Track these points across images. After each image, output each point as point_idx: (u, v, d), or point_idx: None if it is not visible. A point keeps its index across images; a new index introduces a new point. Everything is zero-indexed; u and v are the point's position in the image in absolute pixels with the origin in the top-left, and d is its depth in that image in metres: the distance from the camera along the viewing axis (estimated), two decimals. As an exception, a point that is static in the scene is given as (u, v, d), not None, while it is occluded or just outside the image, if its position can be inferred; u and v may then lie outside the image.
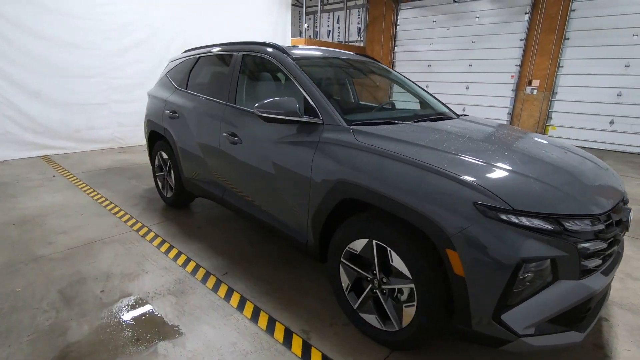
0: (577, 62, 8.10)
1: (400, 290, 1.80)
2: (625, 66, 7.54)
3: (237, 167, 2.66)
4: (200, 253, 2.86)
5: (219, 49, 3.15)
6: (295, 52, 2.58)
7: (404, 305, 1.75)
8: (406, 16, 10.62)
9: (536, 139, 2.29)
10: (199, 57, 3.35)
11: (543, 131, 8.76)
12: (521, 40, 8.71)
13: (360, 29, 11.80)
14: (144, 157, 5.91)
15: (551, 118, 8.64)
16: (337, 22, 12.24)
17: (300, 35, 10.81)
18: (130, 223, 3.38)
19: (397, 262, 1.73)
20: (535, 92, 8.70)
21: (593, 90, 7.97)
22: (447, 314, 1.66)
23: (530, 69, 8.70)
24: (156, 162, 3.83)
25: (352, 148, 1.89)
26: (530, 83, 8.76)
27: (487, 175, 1.58)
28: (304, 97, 2.25)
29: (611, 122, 7.83)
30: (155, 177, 3.93)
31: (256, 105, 2.18)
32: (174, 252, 2.86)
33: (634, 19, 7.27)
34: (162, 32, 6.79)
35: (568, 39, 8.13)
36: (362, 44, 11.68)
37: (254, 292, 2.38)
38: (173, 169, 3.50)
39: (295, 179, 2.16)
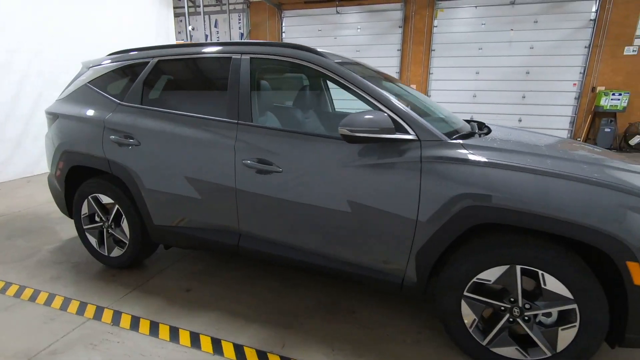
0: (442, 69, 9.64)
1: (548, 314, 1.67)
2: (476, 73, 9.36)
3: (273, 205, 2.05)
4: (223, 326, 2.10)
5: (197, 49, 2.37)
6: (331, 55, 2.14)
7: (561, 328, 1.63)
8: (291, 24, 10.64)
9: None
10: (158, 61, 2.46)
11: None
12: (398, 50, 9.83)
13: (242, 34, 11.23)
14: (19, 201, 4.16)
15: (428, 117, 10.05)
16: (215, 27, 11.35)
17: (188, 38, 9.53)
18: (73, 309, 2.24)
19: (551, 284, 1.59)
20: (413, 95, 9.95)
21: (456, 92, 9.62)
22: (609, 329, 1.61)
23: (407, 75, 9.90)
24: (84, 210, 2.67)
25: (483, 166, 1.65)
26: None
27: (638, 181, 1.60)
28: (380, 109, 1.87)
29: (471, 119, 9.63)
30: (81, 231, 2.74)
31: (343, 122, 1.71)
32: (184, 335, 2.02)
33: (478, 36, 9.09)
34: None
35: (434, 50, 9.58)
36: (246, 50, 11.13)
37: None
38: (128, 216, 2.50)
39: (390, 212, 1.78)
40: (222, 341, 1.97)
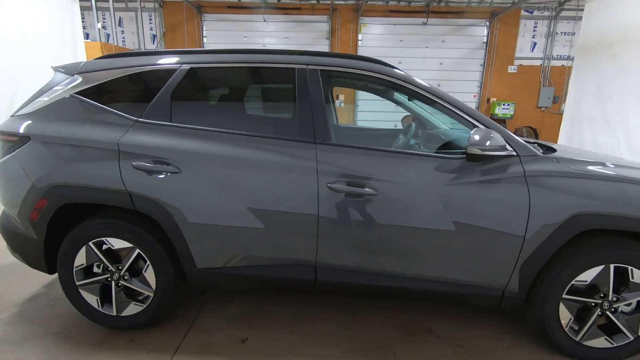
0: (368, 80, 10.25)
1: (629, 303, 1.90)
2: (397, 85, 10.23)
3: (364, 231, 1.87)
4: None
5: (242, 57, 2.01)
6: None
7: (640, 314, 1.88)
8: (213, 28, 9.98)
9: None
10: (191, 69, 2.01)
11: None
12: (326, 61, 10.08)
13: (155, 36, 10.07)
14: None
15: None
16: (120, 25, 9.90)
17: (101, 38, 7.96)
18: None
19: (638, 277, 1.82)
20: (342, 105, 10.33)
21: (379, 102, 10.31)
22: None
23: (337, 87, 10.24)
24: (79, 262, 2.02)
25: (584, 178, 1.79)
26: (337, 97, 10.32)
27: None
28: (473, 125, 1.87)
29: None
30: (72, 289, 2.07)
31: (472, 142, 1.67)
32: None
33: (398, 51, 9.95)
34: None
35: (360, 62, 10.13)
36: (160, 54, 10.01)
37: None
38: (156, 262, 1.98)
39: (499, 225, 1.80)
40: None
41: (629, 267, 1.81)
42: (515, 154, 1.84)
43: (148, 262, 1.99)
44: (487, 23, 9.78)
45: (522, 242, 1.81)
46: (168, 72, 2.02)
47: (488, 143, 1.70)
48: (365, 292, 1.98)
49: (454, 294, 1.95)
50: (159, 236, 1.98)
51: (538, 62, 10.10)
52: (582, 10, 9.43)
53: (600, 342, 1.93)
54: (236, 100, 2.16)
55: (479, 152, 1.70)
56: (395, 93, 2.90)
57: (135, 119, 1.97)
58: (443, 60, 9.96)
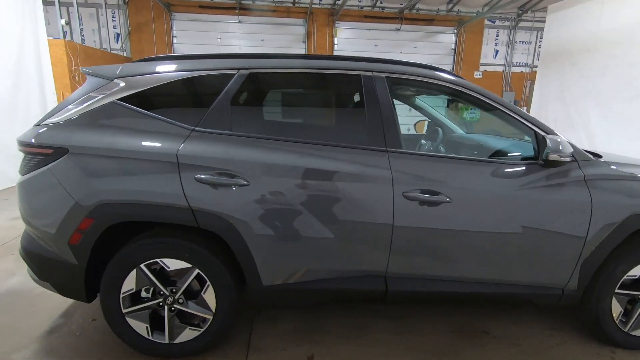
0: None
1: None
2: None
3: (437, 238, 1.88)
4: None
5: (309, 63, 1.92)
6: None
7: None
8: (184, 28, 9.53)
9: None
10: (250, 75, 1.89)
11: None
12: (302, 64, 10.03)
13: (119, 35, 9.41)
14: None
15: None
16: (79, 22, 9.11)
17: (65, 35, 7.18)
18: None
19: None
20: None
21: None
22: None
23: (312, 89, 10.22)
24: (128, 287, 1.81)
25: (637, 180, 1.93)
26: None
27: None
28: (534, 132, 1.95)
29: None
30: (118, 318, 1.85)
31: (553, 149, 1.74)
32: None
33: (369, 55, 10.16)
34: None
35: (336, 66, 10.19)
36: (125, 54, 9.39)
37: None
38: (217, 282, 1.83)
39: (564, 227, 1.89)
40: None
41: (673, 260, 1.99)
42: (574, 159, 1.95)
43: (208, 283, 1.84)
44: (455, 31, 10.30)
45: (583, 243, 1.91)
46: (225, 78, 1.88)
47: (563, 149, 1.78)
48: (434, 299, 1.98)
49: (518, 295, 2.02)
50: (219, 254, 1.84)
51: (500, 69, 10.82)
52: (538, 21, 10.26)
53: (645, 330, 2.09)
54: (298, 107, 2.06)
55: (559, 158, 1.78)
56: (417, 99, 2.96)
57: (192, 127, 1.82)
58: (415, 65, 10.33)
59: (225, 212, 1.75)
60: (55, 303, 2.40)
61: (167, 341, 1.89)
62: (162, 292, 1.85)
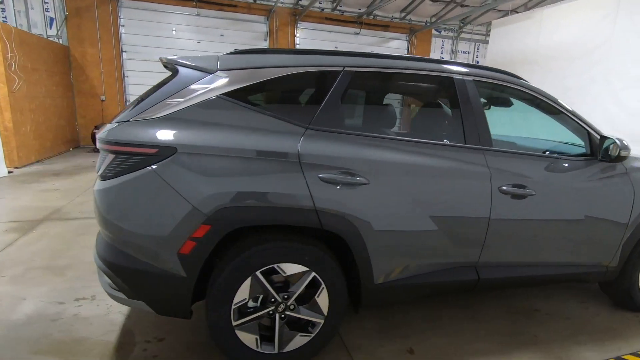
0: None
1: None
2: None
3: (521, 228, 2.07)
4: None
5: (400, 63, 1.96)
6: None
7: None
8: (133, 17, 8.67)
9: None
10: (355, 73, 1.86)
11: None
12: (264, 62, 9.83)
13: (53, 19, 8.21)
14: None
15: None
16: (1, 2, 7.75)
17: None
18: None
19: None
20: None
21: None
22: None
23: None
24: (242, 297, 1.68)
25: None
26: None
27: None
28: (587, 131, 2.25)
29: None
30: (227, 331, 1.69)
31: (624, 146, 2.01)
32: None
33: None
34: None
35: (298, 66, 10.18)
36: (61, 41, 8.25)
37: None
38: (332, 284, 1.79)
39: (613, 213, 2.22)
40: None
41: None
42: (616, 155, 2.30)
43: (323, 286, 1.78)
44: (407, 38, 11.00)
45: (626, 226, 2.27)
46: (331, 75, 1.84)
47: (628, 147, 2.09)
48: (514, 284, 2.17)
49: (575, 274, 2.31)
50: (338, 256, 1.80)
51: (445, 75, 11.81)
52: (476, 34, 11.45)
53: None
54: (399, 107, 2.09)
55: (627, 154, 2.09)
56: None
57: (306, 125, 1.74)
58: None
59: (347, 212, 1.72)
60: (94, 327, 2.08)
61: (276, 351, 1.79)
62: (273, 300, 1.74)
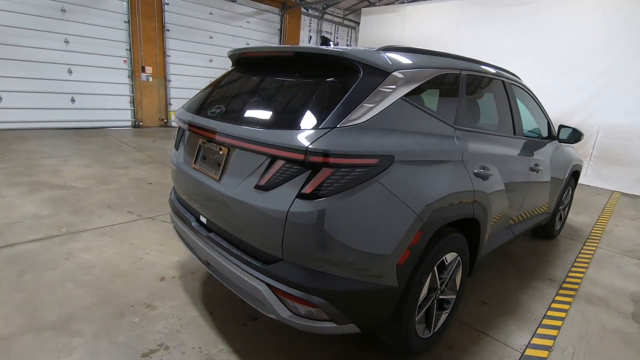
0: (179, 53, 9.09)
1: None
2: (210, 60, 9.72)
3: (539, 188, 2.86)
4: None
5: (487, 70, 2.33)
6: None
7: None
8: None
9: None
10: (467, 76, 2.06)
11: (167, 117, 9.24)
12: (125, 22, 8.05)
13: None
14: None
15: (171, 104, 9.26)
16: None
17: None
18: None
19: None
20: (150, 79, 8.73)
21: (194, 78, 9.50)
22: None
23: (140, 55, 8.46)
24: (425, 291, 1.77)
25: None
26: (144, 70, 8.59)
27: None
28: (548, 121, 3.18)
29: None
30: (410, 330, 1.76)
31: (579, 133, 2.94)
32: None
33: (206, 24, 9.37)
34: None
35: (169, 30, 8.76)
36: None
37: None
38: (465, 262, 2.07)
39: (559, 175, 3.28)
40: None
41: None
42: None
43: (461, 265, 2.04)
44: (280, 13, 10.97)
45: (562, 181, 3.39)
46: (454, 77, 1.99)
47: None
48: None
49: (540, 221, 3.31)
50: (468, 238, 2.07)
51: (313, 53, 12.47)
52: (336, 16, 12.46)
53: None
54: (492, 107, 2.42)
55: (578, 137, 3.07)
56: None
57: (454, 126, 1.88)
58: (250, 41, 10.36)
59: (484, 200, 2.00)
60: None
61: (430, 333, 1.96)
62: (434, 288, 1.89)
